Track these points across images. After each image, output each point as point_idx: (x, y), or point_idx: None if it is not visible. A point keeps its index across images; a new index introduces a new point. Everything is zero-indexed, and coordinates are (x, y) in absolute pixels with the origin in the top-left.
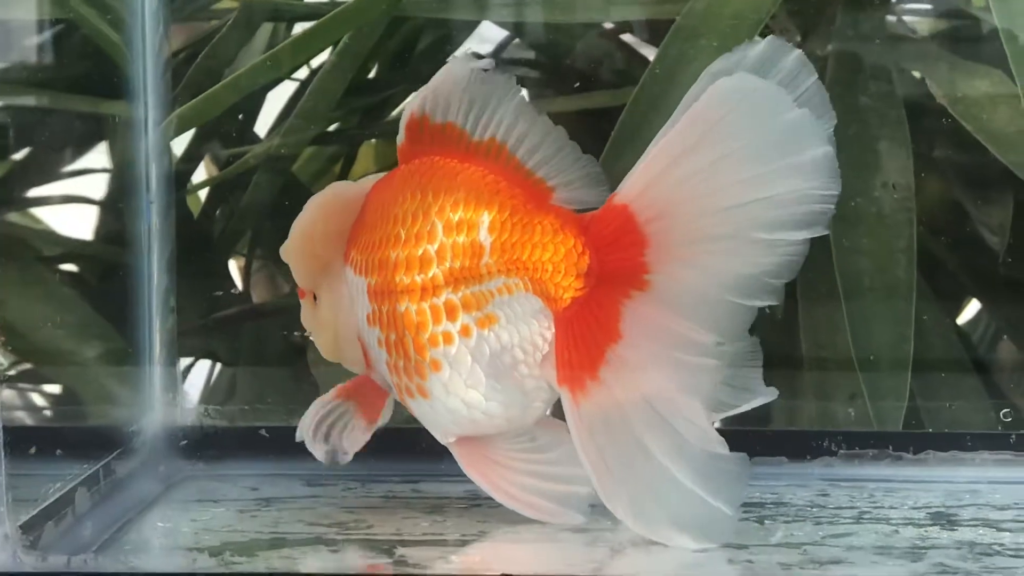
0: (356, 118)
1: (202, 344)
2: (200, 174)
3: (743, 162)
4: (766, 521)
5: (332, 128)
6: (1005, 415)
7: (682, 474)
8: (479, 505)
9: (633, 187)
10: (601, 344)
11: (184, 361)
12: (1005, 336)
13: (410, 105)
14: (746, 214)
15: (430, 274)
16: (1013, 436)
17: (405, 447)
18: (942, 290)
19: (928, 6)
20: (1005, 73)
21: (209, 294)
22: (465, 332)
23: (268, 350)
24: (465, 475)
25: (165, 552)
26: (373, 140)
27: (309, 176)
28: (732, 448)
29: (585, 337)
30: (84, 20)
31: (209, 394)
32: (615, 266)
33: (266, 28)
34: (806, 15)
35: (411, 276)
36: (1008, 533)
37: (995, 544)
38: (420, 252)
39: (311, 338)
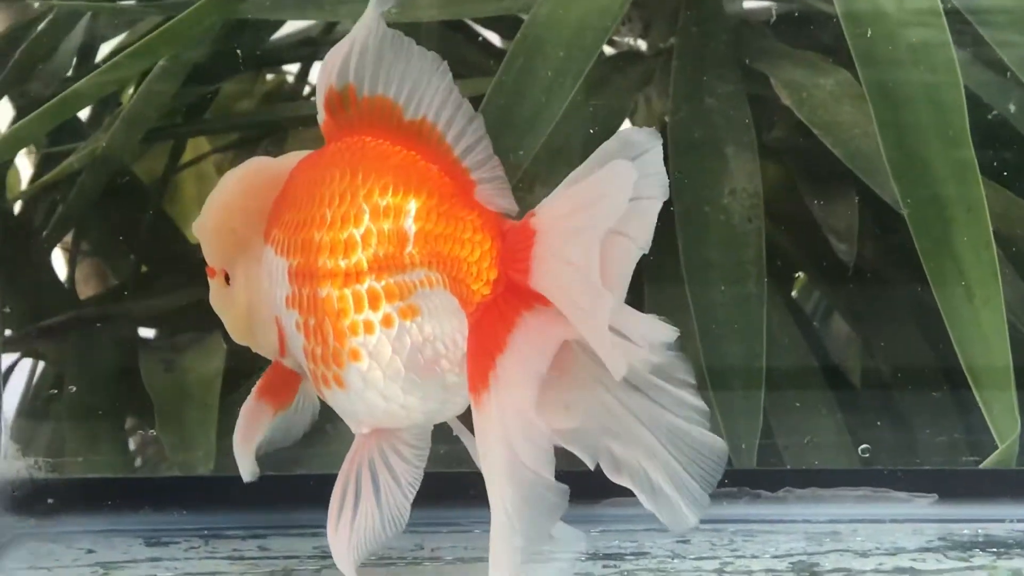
0: (181, 113)
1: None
2: (20, 160)
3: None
4: None
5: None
6: (863, 451)
7: (506, 499)
8: (330, 567)
9: (545, 216)
10: (492, 353)
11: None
12: (858, 344)
13: (324, 78)
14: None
15: (354, 260)
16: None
17: (250, 499)
18: (791, 299)
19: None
20: (850, 71)
21: (33, 296)
22: (387, 322)
23: (100, 356)
24: (317, 529)
25: None
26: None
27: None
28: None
29: (485, 344)
30: None
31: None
32: (515, 281)
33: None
34: (649, 6)
35: (335, 260)
36: None
37: None
38: (345, 236)
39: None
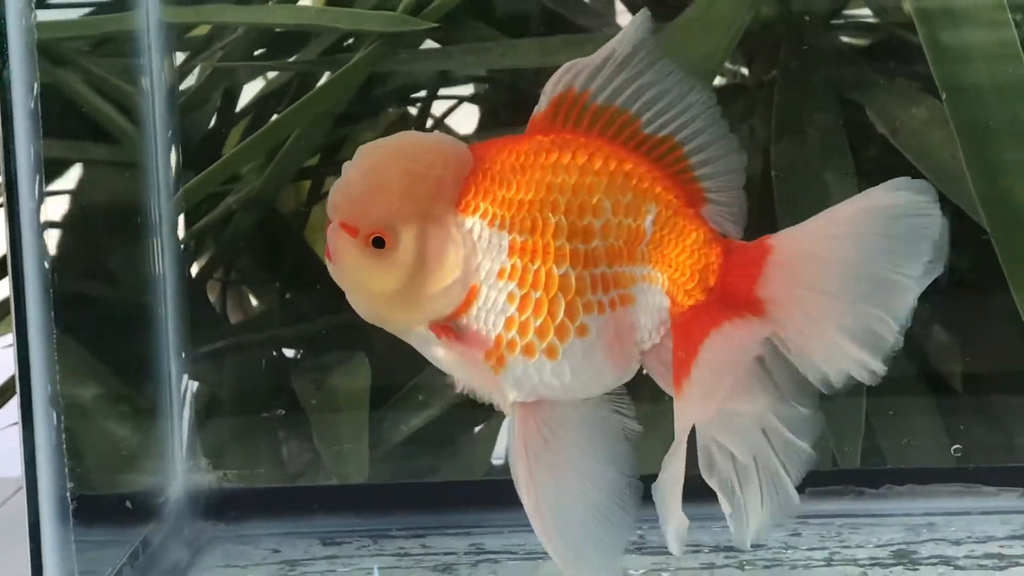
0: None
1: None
2: None
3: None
4: (746, 567)
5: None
6: (955, 451)
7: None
8: (485, 560)
9: (786, 242)
10: (690, 356)
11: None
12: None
13: (568, 78)
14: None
15: (592, 245)
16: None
17: (411, 501)
18: None
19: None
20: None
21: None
22: (613, 305)
23: (255, 377)
24: (466, 528)
25: None
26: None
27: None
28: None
29: (685, 346)
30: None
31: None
32: (731, 297)
33: None
34: (752, 42)
35: (574, 244)
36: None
37: None
38: (584, 223)
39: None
